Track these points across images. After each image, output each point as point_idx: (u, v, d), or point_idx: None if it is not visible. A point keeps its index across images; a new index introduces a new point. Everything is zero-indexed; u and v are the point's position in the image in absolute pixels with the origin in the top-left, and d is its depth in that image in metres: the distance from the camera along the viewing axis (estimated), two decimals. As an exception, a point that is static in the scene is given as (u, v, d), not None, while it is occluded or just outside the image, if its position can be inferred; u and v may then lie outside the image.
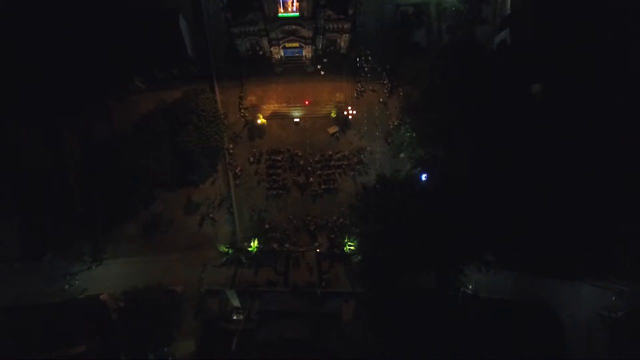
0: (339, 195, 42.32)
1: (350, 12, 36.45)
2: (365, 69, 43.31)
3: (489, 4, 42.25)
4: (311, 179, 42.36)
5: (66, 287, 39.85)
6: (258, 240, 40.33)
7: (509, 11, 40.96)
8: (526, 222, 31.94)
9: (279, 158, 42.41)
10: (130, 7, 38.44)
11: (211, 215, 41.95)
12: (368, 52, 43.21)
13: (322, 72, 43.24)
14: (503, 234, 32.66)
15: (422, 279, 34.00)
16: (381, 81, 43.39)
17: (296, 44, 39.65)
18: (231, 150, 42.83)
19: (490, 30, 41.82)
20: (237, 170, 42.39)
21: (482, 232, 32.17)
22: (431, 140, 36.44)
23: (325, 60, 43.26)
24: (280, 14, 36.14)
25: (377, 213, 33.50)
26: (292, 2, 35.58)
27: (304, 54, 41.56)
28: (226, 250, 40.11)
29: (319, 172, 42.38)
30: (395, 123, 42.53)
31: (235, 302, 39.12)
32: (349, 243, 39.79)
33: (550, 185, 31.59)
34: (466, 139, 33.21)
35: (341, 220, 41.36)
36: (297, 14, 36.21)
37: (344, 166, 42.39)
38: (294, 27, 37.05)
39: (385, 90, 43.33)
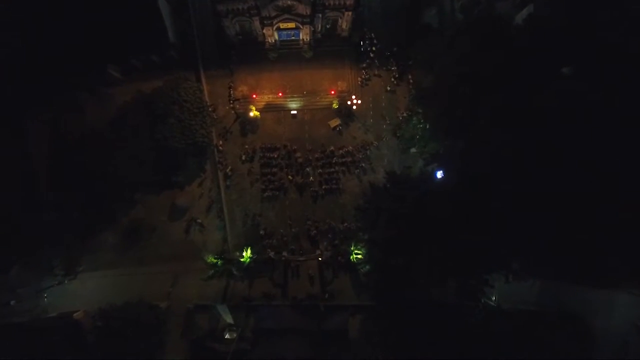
0: (343, 196, 38.85)
1: (354, -15, 32.63)
2: (371, 54, 39.62)
3: (509, -24, 38.38)
4: (311, 178, 38.93)
5: (12, 302, 35.65)
6: (252, 249, 36.68)
7: (532, -16, 36.91)
8: (559, 224, 27.87)
9: (275, 155, 39.03)
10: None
11: (199, 221, 38.41)
12: (373, 35, 39.51)
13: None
14: (532, 239, 28.83)
15: (439, 290, 30.79)
16: (388, 67, 39.83)
17: (292, 24, 35.82)
18: (220, 147, 39.24)
19: (510, 6, 37.79)
20: (227, 170, 38.86)
21: (509, 236, 28.29)
22: (446, 132, 32.83)
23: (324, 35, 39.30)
24: (272, -14, 32.28)
25: (387, 216, 30.01)
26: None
27: (301, 37, 37.72)
28: (214, 261, 36.50)
29: (319, 170, 39.02)
30: (405, 114, 39.09)
31: (228, 319, 36.06)
32: (355, 250, 36.32)
33: (586, 181, 27.62)
34: (487, 130, 29.43)
35: (346, 224, 37.88)
36: (293, -15, 32.28)
37: (347, 163, 38.97)
38: (289, 2, 33.25)
39: (393, 78, 39.82)
